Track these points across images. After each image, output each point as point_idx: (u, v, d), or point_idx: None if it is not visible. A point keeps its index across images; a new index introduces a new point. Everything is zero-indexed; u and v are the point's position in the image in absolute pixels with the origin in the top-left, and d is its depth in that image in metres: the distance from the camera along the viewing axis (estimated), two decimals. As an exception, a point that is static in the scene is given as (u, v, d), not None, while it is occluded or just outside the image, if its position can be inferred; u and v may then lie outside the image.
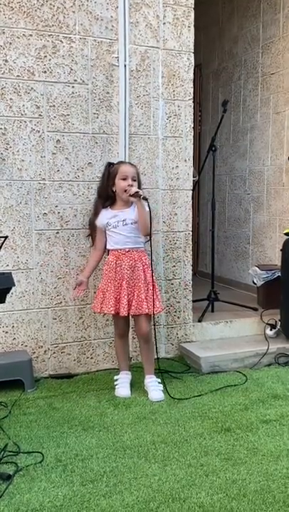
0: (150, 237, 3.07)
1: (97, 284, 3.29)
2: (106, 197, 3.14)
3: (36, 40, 3.24)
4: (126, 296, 3.04)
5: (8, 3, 3.16)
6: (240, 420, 2.76)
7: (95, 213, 3.17)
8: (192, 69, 3.69)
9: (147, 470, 2.28)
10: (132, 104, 3.51)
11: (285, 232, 4.02)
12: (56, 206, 3.38)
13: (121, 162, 3.22)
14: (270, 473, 2.25)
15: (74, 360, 3.51)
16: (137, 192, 2.99)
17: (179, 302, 3.79)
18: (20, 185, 3.29)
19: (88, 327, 3.53)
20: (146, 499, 2.05)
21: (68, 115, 3.36)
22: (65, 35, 3.30)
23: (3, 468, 2.28)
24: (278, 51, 4.65)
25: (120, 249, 3.09)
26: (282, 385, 3.25)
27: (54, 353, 3.45)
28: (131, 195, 3.01)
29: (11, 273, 2.41)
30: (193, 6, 3.63)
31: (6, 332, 3.34)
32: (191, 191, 3.80)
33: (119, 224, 3.08)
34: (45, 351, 3.43)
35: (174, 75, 3.62)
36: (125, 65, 3.43)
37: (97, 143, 3.45)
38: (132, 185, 3.03)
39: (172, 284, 3.76)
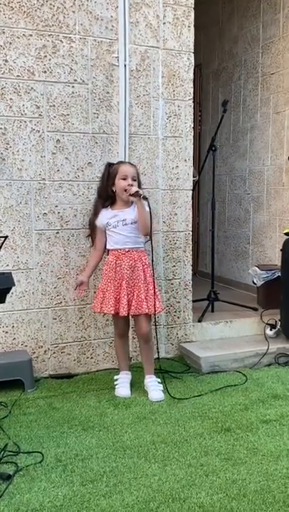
0: (150, 237, 3.07)
1: (97, 284, 3.29)
2: (106, 197, 3.14)
3: (36, 40, 3.24)
4: (126, 296, 3.04)
5: (8, 3, 3.16)
6: (240, 420, 2.76)
7: (95, 213, 3.17)
8: (192, 69, 3.69)
9: (147, 470, 2.28)
10: (132, 104, 3.51)
11: (285, 232, 4.02)
12: (56, 206, 3.38)
13: (121, 162, 3.22)
14: (270, 473, 2.25)
15: (74, 360, 3.51)
16: (137, 191, 2.99)
17: (178, 302, 3.79)
18: (20, 185, 3.29)
19: (88, 327, 3.53)
20: (146, 499, 2.05)
21: (68, 115, 3.36)
22: (65, 35, 3.30)
23: (3, 468, 2.28)
24: (278, 51, 4.65)
25: (120, 249, 3.09)
26: (282, 385, 3.25)
27: (54, 353, 3.45)
28: (131, 195, 3.01)
29: (10, 273, 2.41)
30: (193, 6, 3.63)
31: (6, 332, 3.34)
32: (191, 191, 3.80)
33: (119, 224, 3.08)
34: (45, 351, 3.43)
35: (174, 75, 3.62)
36: (125, 65, 3.43)
37: (97, 143, 3.45)
38: (132, 185, 3.04)
39: (172, 284, 3.76)
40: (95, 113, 3.43)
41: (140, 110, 3.54)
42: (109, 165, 3.17)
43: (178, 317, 3.80)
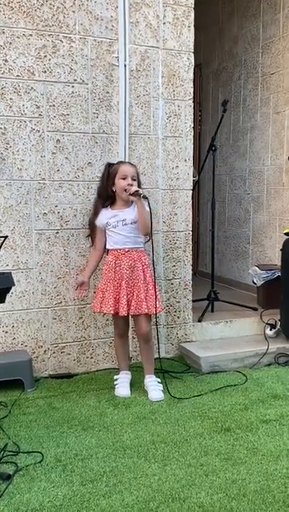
0: (151, 237, 3.07)
1: (97, 284, 3.29)
2: (106, 197, 3.14)
3: (36, 39, 3.24)
4: (125, 296, 3.04)
5: (8, 3, 3.16)
6: (240, 420, 2.76)
7: (95, 213, 3.17)
8: (192, 69, 3.69)
9: (147, 470, 2.28)
10: (132, 103, 3.51)
11: (285, 232, 4.02)
12: (56, 206, 3.38)
13: (121, 162, 3.22)
14: (270, 473, 2.25)
15: (74, 359, 3.51)
16: (137, 191, 2.99)
17: (178, 302, 3.79)
18: (20, 184, 3.29)
19: (88, 327, 3.53)
20: (146, 499, 2.05)
21: (68, 115, 3.36)
22: (65, 35, 3.30)
23: (3, 468, 2.28)
24: (278, 51, 4.65)
25: (120, 249, 3.09)
26: (282, 385, 3.25)
27: (54, 352, 3.45)
28: (131, 194, 3.01)
29: (10, 273, 2.41)
30: (193, 6, 3.63)
31: (6, 332, 3.34)
32: (191, 191, 3.80)
33: (118, 224, 3.08)
34: (45, 351, 3.43)
35: (174, 75, 3.62)
36: (125, 65, 3.43)
37: (97, 143, 3.45)
38: (131, 185, 3.04)
39: (172, 283, 3.76)
40: (94, 113, 3.43)
41: (140, 110, 3.54)
42: (109, 165, 3.18)
43: (178, 317, 3.80)
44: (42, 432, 2.64)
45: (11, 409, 2.90)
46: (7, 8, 3.16)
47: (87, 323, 3.52)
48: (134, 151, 3.54)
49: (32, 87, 3.26)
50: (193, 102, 3.79)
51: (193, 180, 3.88)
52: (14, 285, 2.47)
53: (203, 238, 6.05)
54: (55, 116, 3.33)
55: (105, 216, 3.11)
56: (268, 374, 3.45)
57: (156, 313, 3.13)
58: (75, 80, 3.36)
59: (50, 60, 3.28)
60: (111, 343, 3.54)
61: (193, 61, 3.68)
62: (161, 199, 3.66)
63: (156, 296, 3.08)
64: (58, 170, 3.37)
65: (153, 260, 3.09)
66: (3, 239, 2.71)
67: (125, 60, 3.43)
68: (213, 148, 4.32)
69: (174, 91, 3.63)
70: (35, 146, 3.30)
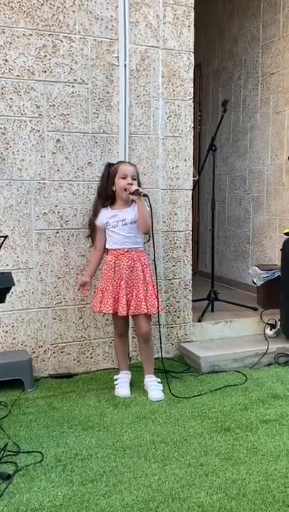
0: (152, 236, 3.07)
1: (97, 284, 3.29)
2: (106, 197, 3.14)
3: (36, 39, 3.24)
4: (125, 296, 3.04)
5: (8, 2, 3.16)
6: (240, 420, 2.76)
7: (95, 213, 3.18)
8: (192, 68, 3.69)
9: (147, 470, 2.28)
10: (132, 103, 3.51)
11: (285, 231, 4.02)
12: (56, 206, 3.38)
13: (120, 162, 3.23)
14: (270, 473, 2.25)
15: (74, 359, 3.51)
16: (137, 190, 3.00)
17: (178, 302, 3.79)
18: (20, 184, 3.29)
19: (88, 327, 3.53)
20: (145, 499, 2.05)
21: (68, 115, 3.36)
22: (65, 35, 3.30)
23: (2, 468, 2.28)
24: (278, 51, 4.65)
25: (119, 249, 3.09)
26: (282, 385, 3.25)
27: (54, 352, 3.45)
28: (131, 193, 3.01)
29: (10, 273, 2.41)
30: (193, 6, 3.63)
31: (6, 332, 3.34)
32: (191, 191, 3.80)
33: (118, 224, 3.08)
34: (45, 351, 3.43)
35: (174, 75, 3.62)
36: (125, 65, 3.43)
37: (97, 142, 3.45)
38: (131, 184, 3.04)
39: (172, 283, 3.76)
40: (95, 113, 3.43)
41: (140, 110, 3.54)
42: (109, 165, 3.18)
43: (178, 317, 3.80)
44: (42, 431, 2.64)
45: (11, 409, 2.90)
46: (7, 8, 3.16)
47: (87, 323, 3.52)
48: (134, 151, 3.54)
49: (32, 87, 3.26)
50: (193, 101, 3.79)
51: (193, 180, 3.88)
52: (14, 285, 2.47)
53: (203, 238, 6.05)
54: (55, 116, 3.33)
55: (105, 216, 3.11)
56: (267, 374, 3.45)
57: (157, 313, 3.13)
58: (75, 79, 3.36)
59: (50, 59, 3.28)
60: (111, 342, 3.55)
61: (193, 61, 3.68)
62: (161, 199, 3.66)
63: (157, 297, 3.08)
64: (58, 170, 3.37)
65: (154, 260, 3.09)
66: (3, 239, 2.72)
67: (125, 60, 3.43)
68: (213, 148, 4.32)
69: (174, 91, 3.63)
70: (35, 146, 3.30)
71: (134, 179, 3.09)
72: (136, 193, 2.99)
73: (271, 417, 2.79)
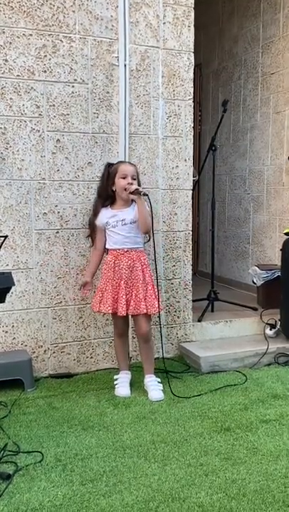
0: (152, 236, 3.07)
1: (97, 284, 3.29)
2: (106, 197, 3.14)
3: (36, 39, 3.24)
4: (124, 296, 3.04)
5: (8, 2, 3.16)
6: (240, 420, 2.76)
7: (95, 213, 3.18)
8: (192, 68, 3.69)
9: (147, 470, 2.28)
10: (132, 103, 3.51)
11: (285, 231, 4.02)
12: (56, 206, 3.38)
13: (120, 162, 3.23)
14: (270, 472, 2.25)
15: (74, 359, 3.51)
16: (137, 189, 3.00)
17: (178, 302, 3.79)
18: (20, 184, 3.29)
19: (88, 327, 3.53)
20: (145, 499, 2.05)
21: (68, 115, 3.36)
22: (65, 35, 3.30)
23: (3, 468, 2.28)
24: (278, 51, 4.65)
25: (119, 249, 3.09)
26: (282, 385, 3.25)
27: (54, 352, 3.45)
28: (131, 193, 3.01)
29: (10, 273, 2.41)
30: (193, 6, 3.63)
31: (6, 332, 3.34)
32: (191, 191, 3.80)
33: (118, 224, 3.08)
34: (44, 351, 3.43)
35: (174, 75, 3.62)
36: (125, 65, 3.43)
37: (97, 142, 3.45)
38: (131, 184, 3.04)
39: (172, 283, 3.76)
40: (95, 113, 3.43)
41: (140, 110, 3.54)
42: (109, 165, 3.18)
43: (178, 317, 3.80)
44: (42, 431, 2.64)
45: (11, 409, 2.90)
46: (7, 7, 3.16)
47: (87, 323, 3.52)
48: (134, 151, 3.54)
49: (32, 87, 3.26)
50: (193, 101, 3.79)
51: (194, 180, 3.88)
52: (14, 285, 2.47)
53: (203, 238, 6.05)
54: (55, 116, 3.33)
55: (105, 216, 3.11)
56: (267, 374, 3.45)
57: (158, 313, 3.13)
58: (75, 79, 3.36)
59: (50, 59, 3.28)
60: (111, 342, 3.55)
61: (193, 61, 3.68)
62: (161, 199, 3.66)
63: (158, 297, 3.08)
64: (58, 170, 3.37)
65: (155, 260, 3.08)
66: (3, 239, 2.72)
67: (125, 60, 3.43)
68: (213, 148, 4.32)
69: (174, 91, 3.63)
70: (35, 145, 3.30)
71: (134, 179, 3.09)
72: (136, 192, 2.99)
73: (271, 417, 2.79)
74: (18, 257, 3.32)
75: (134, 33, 3.47)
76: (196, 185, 5.30)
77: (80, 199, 3.43)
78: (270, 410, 2.88)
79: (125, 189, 3.04)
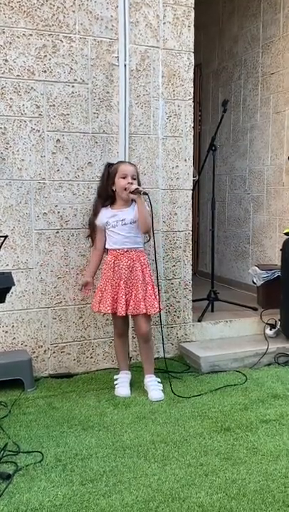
0: (152, 236, 3.06)
1: (97, 284, 3.29)
2: (106, 196, 3.14)
3: (36, 39, 3.24)
4: (124, 296, 3.04)
5: (8, 2, 3.16)
6: (240, 420, 2.76)
7: (95, 213, 3.18)
8: (192, 68, 3.69)
9: (147, 470, 2.28)
10: (132, 103, 3.51)
11: (285, 231, 4.02)
12: (56, 206, 3.38)
13: (120, 161, 3.23)
14: (270, 472, 2.25)
15: (74, 359, 3.51)
16: (137, 188, 3.00)
17: (178, 302, 3.79)
18: (20, 184, 3.29)
19: (88, 327, 3.53)
20: (145, 499, 2.05)
21: (68, 115, 3.36)
22: (65, 35, 3.30)
23: (3, 468, 2.28)
24: (278, 51, 4.65)
25: (118, 249, 3.09)
26: (282, 385, 3.25)
27: (54, 352, 3.45)
28: (131, 192, 3.01)
29: (10, 273, 2.41)
30: (193, 6, 3.63)
31: (6, 332, 3.34)
32: (191, 191, 3.80)
33: (118, 224, 3.08)
34: (44, 351, 3.43)
35: (174, 75, 3.62)
36: (125, 65, 3.43)
37: (97, 142, 3.45)
38: (131, 183, 3.04)
39: (172, 283, 3.76)
40: (95, 113, 3.43)
41: (140, 110, 3.54)
42: (109, 165, 3.18)
43: (178, 317, 3.80)
44: (42, 431, 2.64)
45: (11, 409, 2.90)
46: (7, 7, 3.16)
47: (87, 323, 3.52)
48: (134, 151, 3.54)
49: (32, 87, 3.26)
50: (193, 101, 3.79)
51: (194, 180, 3.88)
52: (14, 285, 2.47)
53: (203, 238, 6.05)
54: (55, 116, 3.33)
55: (105, 215, 3.11)
56: (267, 374, 3.45)
57: (158, 313, 3.13)
58: (75, 79, 3.36)
59: (50, 59, 3.28)
60: (111, 342, 3.55)
61: (193, 61, 3.68)
62: (161, 199, 3.66)
63: (158, 297, 3.08)
64: (58, 170, 3.37)
65: (155, 260, 3.08)
66: (3, 239, 2.72)
67: (125, 60, 3.43)
68: (213, 148, 4.32)
69: (174, 91, 3.63)
70: (35, 145, 3.30)
71: (134, 179, 3.09)
72: (136, 191, 2.99)
73: (271, 417, 2.79)
74: (18, 257, 3.32)
75: (134, 33, 3.47)
76: (196, 185, 5.30)
77: (80, 199, 3.43)
78: (270, 410, 2.88)
79: (125, 189, 3.04)
